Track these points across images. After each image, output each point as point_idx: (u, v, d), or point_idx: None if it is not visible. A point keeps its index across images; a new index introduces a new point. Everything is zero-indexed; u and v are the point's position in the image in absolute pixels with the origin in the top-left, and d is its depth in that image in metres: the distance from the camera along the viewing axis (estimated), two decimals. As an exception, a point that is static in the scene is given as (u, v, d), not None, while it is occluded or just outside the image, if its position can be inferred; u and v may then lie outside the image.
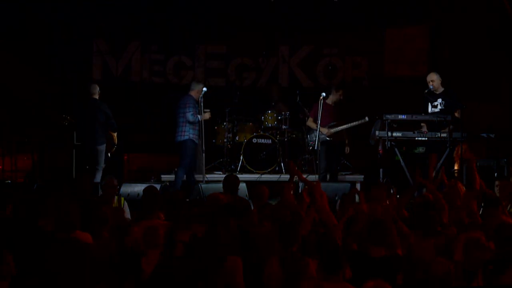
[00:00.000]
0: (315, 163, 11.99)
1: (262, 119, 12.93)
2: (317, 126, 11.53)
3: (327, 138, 11.61)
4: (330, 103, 11.69)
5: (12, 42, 12.53)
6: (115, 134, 11.44)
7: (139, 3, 13.30)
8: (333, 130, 11.60)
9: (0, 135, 13.61)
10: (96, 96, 11.44)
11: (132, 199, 9.80)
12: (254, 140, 12.55)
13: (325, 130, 11.54)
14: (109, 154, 11.44)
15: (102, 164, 11.28)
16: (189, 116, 11.24)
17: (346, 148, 11.85)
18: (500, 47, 13.20)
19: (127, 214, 7.85)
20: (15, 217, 6.62)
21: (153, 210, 6.97)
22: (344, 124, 11.64)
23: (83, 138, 11.49)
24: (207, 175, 11.91)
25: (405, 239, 5.84)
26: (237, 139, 12.80)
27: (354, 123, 11.64)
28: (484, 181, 9.14)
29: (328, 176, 11.66)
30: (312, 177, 11.77)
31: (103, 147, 11.25)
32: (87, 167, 11.35)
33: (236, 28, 13.82)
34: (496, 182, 9.27)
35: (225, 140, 12.76)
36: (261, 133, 12.73)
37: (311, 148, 12.05)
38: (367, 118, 11.57)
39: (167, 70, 13.97)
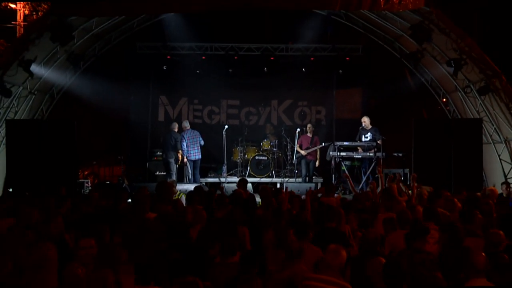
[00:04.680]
0: (296, 172, 12.04)
1: (261, 145, 13.00)
2: (301, 149, 11.65)
3: (306, 157, 11.62)
4: (309, 134, 11.78)
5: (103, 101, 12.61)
6: (180, 153, 11.43)
7: (186, 75, 13.34)
8: (307, 151, 11.58)
9: (102, 154, 13.73)
10: (175, 129, 11.59)
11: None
12: (256, 158, 12.59)
13: (304, 152, 11.59)
14: (176, 165, 11.46)
15: (173, 171, 11.31)
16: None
17: (316, 162, 11.81)
18: (404, 100, 13.35)
19: (184, 202, 7.77)
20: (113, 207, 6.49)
21: (196, 199, 6.84)
22: (313, 147, 11.65)
23: (163, 154, 11.55)
24: (228, 178, 12.04)
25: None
26: (245, 156, 12.85)
27: (316, 147, 11.64)
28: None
29: (307, 179, 11.67)
30: (293, 180, 11.94)
31: (172, 160, 11.32)
32: (159, 173, 11.47)
33: (245, 89, 13.77)
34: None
35: (239, 157, 12.81)
36: (261, 153, 12.78)
37: (295, 163, 12.10)
38: (323, 144, 11.59)
39: (203, 115, 13.85)
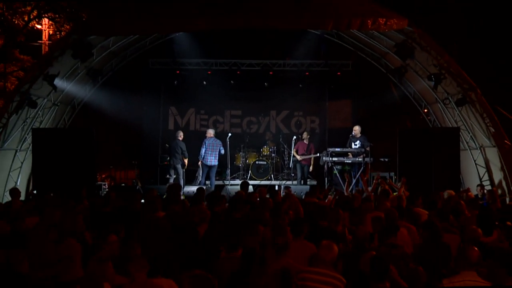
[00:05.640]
0: (292, 175, 12.09)
1: (261, 150, 12.98)
2: (297, 154, 11.72)
3: (301, 161, 11.69)
4: (306, 141, 11.83)
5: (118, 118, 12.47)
6: (186, 160, 11.34)
7: (193, 88, 13.33)
8: (302, 157, 11.65)
9: (118, 159, 13.74)
10: (180, 138, 11.33)
11: (190, 195, 9.88)
12: (257, 162, 12.57)
13: (299, 157, 11.65)
14: (183, 170, 11.40)
15: (181, 175, 11.23)
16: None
17: (310, 167, 11.85)
18: (389, 110, 13.37)
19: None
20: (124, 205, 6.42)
21: (201, 200, 6.87)
22: (308, 155, 11.67)
23: (170, 160, 11.44)
24: (231, 181, 12.02)
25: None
26: (247, 161, 12.86)
27: (311, 156, 11.69)
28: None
29: (302, 182, 11.69)
30: (289, 182, 11.92)
31: (179, 165, 11.21)
32: (169, 176, 11.40)
33: (246, 101, 13.75)
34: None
35: (241, 162, 12.81)
36: (260, 158, 12.79)
37: (292, 166, 12.13)
38: (318, 154, 11.58)
39: (209, 124, 13.71)
